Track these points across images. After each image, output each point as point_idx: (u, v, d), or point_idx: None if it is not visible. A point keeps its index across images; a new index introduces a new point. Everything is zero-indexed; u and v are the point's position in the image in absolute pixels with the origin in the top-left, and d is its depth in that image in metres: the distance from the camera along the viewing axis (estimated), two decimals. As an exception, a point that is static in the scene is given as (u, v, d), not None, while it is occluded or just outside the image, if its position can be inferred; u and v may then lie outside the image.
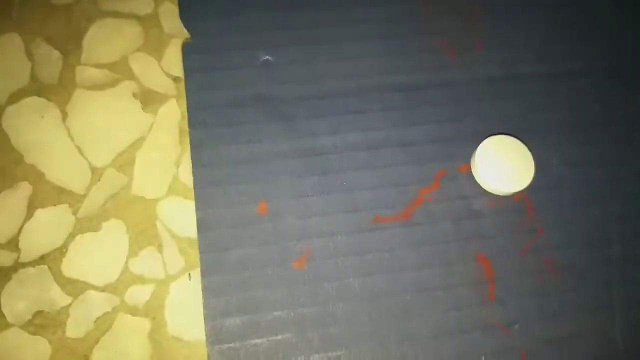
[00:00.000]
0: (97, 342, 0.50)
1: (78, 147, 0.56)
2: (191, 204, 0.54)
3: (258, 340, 0.51)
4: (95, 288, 0.52)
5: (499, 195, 0.57)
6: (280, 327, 0.51)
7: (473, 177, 0.57)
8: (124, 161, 0.56)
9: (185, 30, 0.59)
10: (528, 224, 0.56)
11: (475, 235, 0.56)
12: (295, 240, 0.54)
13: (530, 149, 0.56)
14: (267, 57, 0.59)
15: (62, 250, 0.52)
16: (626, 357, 0.53)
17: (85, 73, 0.58)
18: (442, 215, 0.56)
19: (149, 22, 0.61)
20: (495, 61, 0.62)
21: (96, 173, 0.55)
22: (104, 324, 0.51)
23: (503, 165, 0.56)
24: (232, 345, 0.50)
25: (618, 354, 0.53)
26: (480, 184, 0.57)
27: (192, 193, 0.54)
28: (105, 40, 0.60)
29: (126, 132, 0.57)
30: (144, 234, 0.54)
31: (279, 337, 0.51)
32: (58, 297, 0.51)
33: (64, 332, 0.50)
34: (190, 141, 0.56)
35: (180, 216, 0.55)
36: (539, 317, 0.54)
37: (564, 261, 0.55)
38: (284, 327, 0.51)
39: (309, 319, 0.52)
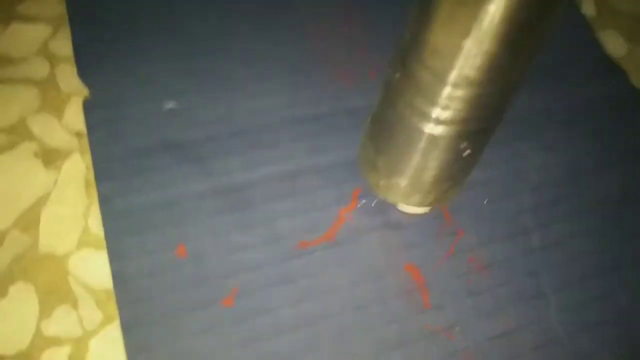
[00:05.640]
0: None
1: (-27, 215, 0.52)
2: (105, 255, 0.51)
3: (193, 393, 0.47)
4: (5, 358, 0.47)
5: (416, 206, 0.58)
6: (215, 373, 0.48)
7: (389, 192, 0.58)
8: (29, 220, 0.53)
9: (84, 88, 0.59)
10: (448, 227, 0.58)
11: (401, 246, 0.56)
12: (221, 278, 0.52)
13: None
14: (171, 105, 0.60)
15: (-41, 327, 0.47)
16: (568, 340, 0.53)
17: (-21, 140, 0.56)
18: (365, 231, 0.56)
19: (46, 84, 0.60)
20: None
21: (-4, 238, 0.51)
22: (15, 402, 0.45)
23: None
24: (163, 402, 0.46)
25: (559, 339, 0.53)
26: (397, 197, 0.58)
27: (104, 243, 0.52)
28: (-1, 106, 0.58)
29: (28, 192, 0.54)
30: (55, 293, 0.50)
31: (216, 384, 0.47)
32: (-44, 381, 0.45)
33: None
34: (99, 194, 0.53)
35: (94, 268, 0.52)
36: (476, 316, 0.53)
37: (488, 258, 0.56)
38: (219, 372, 0.48)
39: None
